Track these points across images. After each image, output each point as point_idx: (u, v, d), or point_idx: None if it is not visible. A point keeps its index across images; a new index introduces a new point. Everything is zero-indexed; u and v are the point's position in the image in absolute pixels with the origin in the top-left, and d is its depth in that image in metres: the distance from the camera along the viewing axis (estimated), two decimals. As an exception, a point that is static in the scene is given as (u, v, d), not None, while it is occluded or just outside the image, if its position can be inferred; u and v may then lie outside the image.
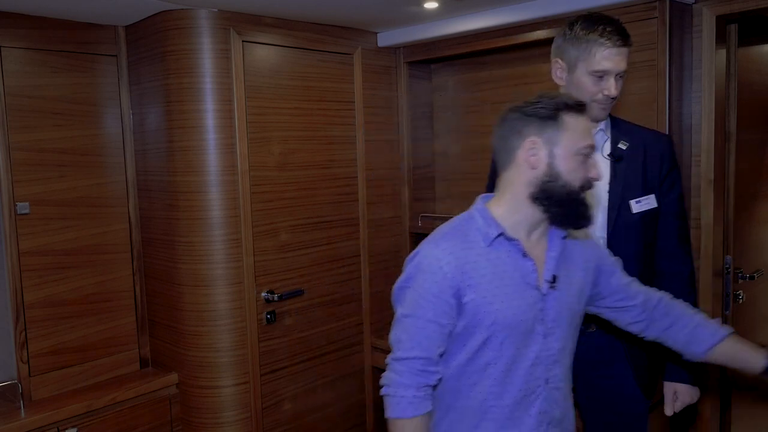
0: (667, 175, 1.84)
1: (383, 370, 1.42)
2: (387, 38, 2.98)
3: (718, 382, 2.49)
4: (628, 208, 1.79)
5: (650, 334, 1.59)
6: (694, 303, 1.83)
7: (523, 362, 1.39)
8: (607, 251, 1.61)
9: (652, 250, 1.86)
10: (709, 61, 2.28)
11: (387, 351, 1.44)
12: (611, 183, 1.80)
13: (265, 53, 2.61)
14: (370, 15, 2.66)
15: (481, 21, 2.61)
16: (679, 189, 1.87)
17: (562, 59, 1.77)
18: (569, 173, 1.34)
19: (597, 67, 1.69)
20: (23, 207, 2.39)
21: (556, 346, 1.43)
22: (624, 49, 1.71)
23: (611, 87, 1.70)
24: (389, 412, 1.38)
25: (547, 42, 2.59)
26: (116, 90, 2.66)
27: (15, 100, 2.38)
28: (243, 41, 2.52)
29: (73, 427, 2.39)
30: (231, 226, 2.53)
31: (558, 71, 1.79)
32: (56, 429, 2.35)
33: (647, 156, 1.82)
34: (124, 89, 2.67)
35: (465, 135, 3.14)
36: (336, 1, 2.40)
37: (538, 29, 2.53)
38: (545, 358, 1.41)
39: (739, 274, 2.52)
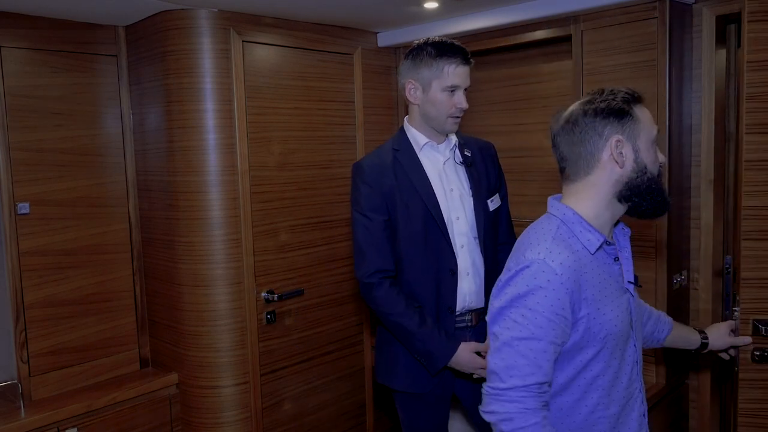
0: (499, 175, 2.13)
1: None
2: (387, 38, 2.98)
3: (718, 383, 2.49)
4: (487, 207, 2.02)
5: None
6: None
7: (626, 368, 1.37)
8: None
9: (496, 233, 2.11)
10: (709, 61, 2.28)
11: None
12: (472, 188, 2.00)
13: (265, 53, 2.61)
14: (370, 15, 2.66)
15: (480, 21, 2.61)
16: (505, 184, 2.17)
17: (415, 80, 1.94)
18: (651, 164, 1.32)
19: (449, 83, 1.89)
20: (23, 207, 2.40)
21: (640, 346, 1.44)
22: (468, 67, 1.92)
23: (462, 100, 1.92)
24: None
25: (547, 42, 2.60)
26: (116, 90, 2.66)
27: (15, 100, 2.38)
28: (243, 41, 2.52)
29: (73, 427, 2.39)
30: (231, 226, 2.53)
31: (412, 91, 1.96)
32: (56, 429, 2.36)
33: (485, 160, 2.07)
34: (124, 89, 2.67)
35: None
36: (336, 1, 2.40)
37: (538, 29, 2.53)
38: (638, 360, 1.41)
39: (739, 274, 2.51)
